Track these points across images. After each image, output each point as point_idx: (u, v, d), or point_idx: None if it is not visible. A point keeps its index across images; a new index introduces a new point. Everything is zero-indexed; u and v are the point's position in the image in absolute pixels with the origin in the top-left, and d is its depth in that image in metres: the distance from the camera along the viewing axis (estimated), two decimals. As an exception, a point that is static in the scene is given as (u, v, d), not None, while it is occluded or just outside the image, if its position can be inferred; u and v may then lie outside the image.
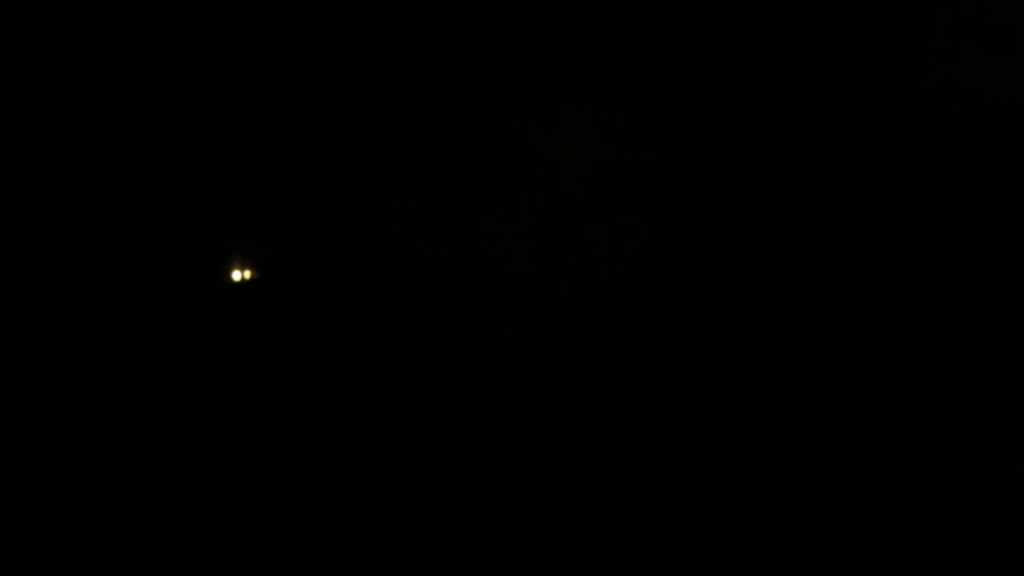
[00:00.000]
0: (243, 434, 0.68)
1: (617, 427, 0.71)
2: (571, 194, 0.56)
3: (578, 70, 0.59)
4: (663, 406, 0.74)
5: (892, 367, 1.07)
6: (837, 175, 1.01)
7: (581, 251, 0.55)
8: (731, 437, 0.76)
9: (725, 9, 0.77)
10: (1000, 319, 1.00)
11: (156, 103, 1.32)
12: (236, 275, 1.74)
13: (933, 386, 1.05)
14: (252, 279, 1.71)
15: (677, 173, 0.75)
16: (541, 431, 0.66)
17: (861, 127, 0.98)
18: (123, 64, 1.18)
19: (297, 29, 0.91)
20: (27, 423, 1.33)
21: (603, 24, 0.63)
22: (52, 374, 1.44)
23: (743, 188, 1.01)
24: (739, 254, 1.03)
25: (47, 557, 1.20)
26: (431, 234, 0.68)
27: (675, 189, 0.74)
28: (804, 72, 0.90)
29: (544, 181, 0.56)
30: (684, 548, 0.64)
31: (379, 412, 0.65)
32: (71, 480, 1.33)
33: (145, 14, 1.00)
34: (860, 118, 0.97)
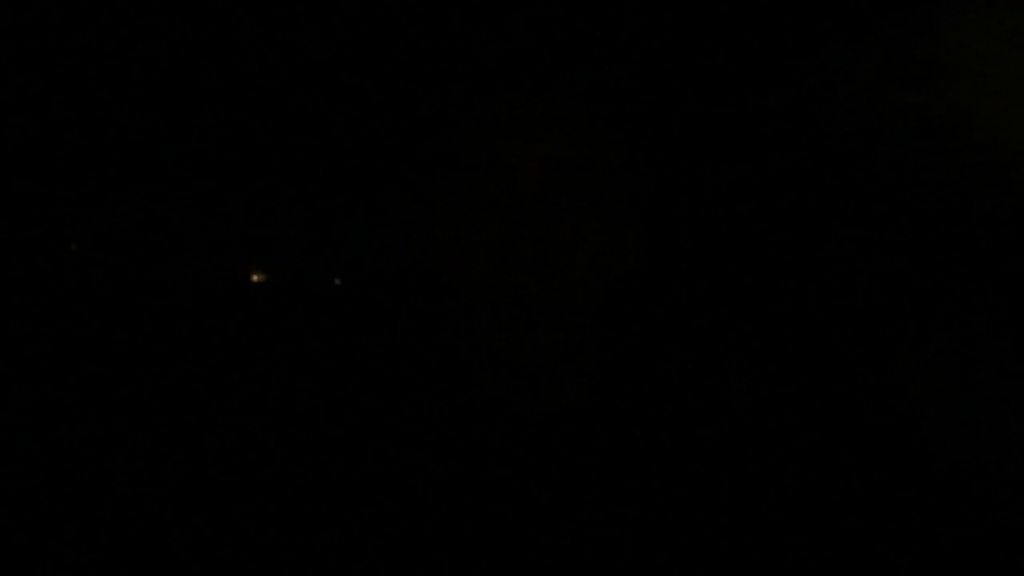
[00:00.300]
0: (251, 429, 0.69)
1: (597, 425, 0.70)
2: (532, 193, 0.55)
3: (532, 67, 0.59)
4: (640, 402, 0.73)
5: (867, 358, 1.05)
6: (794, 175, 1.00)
7: (546, 249, 0.54)
8: (717, 437, 0.75)
9: (681, 4, 0.77)
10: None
11: (192, 121, 1.36)
12: (254, 278, 1.81)
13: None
14: (265, 281, 1.77)
15: (640, 166, 0.75)
16: (523, 430, 0.66)
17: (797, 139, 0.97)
18: (152, 76, 1.22)
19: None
20: (41, 423, 1.39)
21: (556, 18, 0.63)
22: (71, 371, 1.50)
23: (707, 181, 1.00)
24: (707, 248, 1.02)
25: (54, 557, 1.25)
26: (398, 242, 0.68)
27: (639, 183, 0.74)
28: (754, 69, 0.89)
29: (504, 182, 0.55)
30: (674, 549, 0.63)
31: (373, 410, 0.66)
32: (84, 481, 1.38)
33: (170, 24, 1.03)
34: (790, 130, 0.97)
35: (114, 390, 1.57)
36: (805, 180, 0.98)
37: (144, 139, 1.44)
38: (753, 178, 0.95)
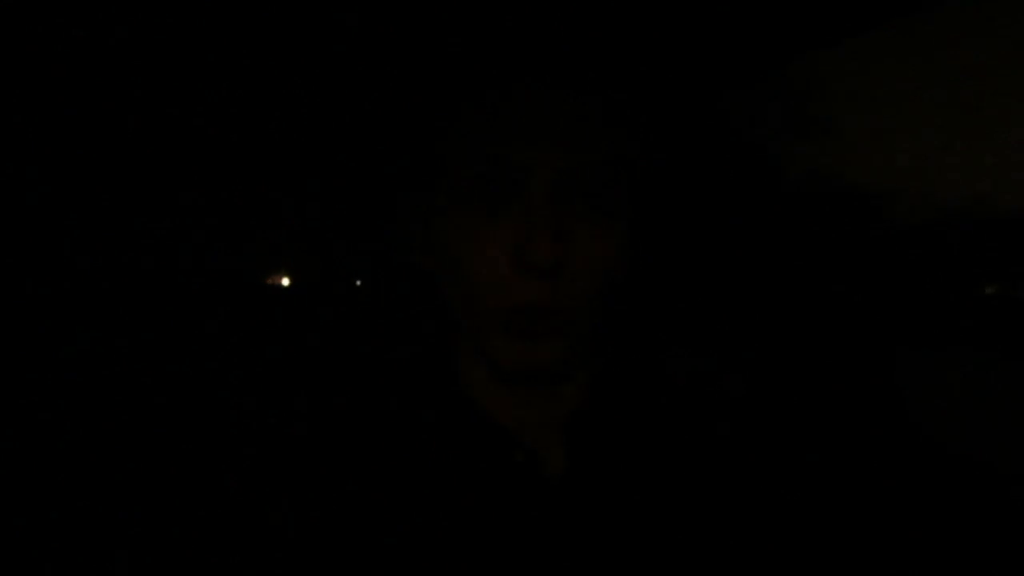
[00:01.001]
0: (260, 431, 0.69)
1: (617, 425, 0.70)
2: (546, 196, 0.55)
3: (547, 67, 0.58)
4: (654, 403, 0.73)
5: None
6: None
7: (563, 251, 0.54)
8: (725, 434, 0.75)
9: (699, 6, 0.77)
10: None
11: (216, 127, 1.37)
12: (271, 280, 1.84)
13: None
14: (286, 284, 1.80)
15: (658, 168, 0.75)
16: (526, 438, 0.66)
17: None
18: (171, 80, 1.23)
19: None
20: (59, 421, 1.41)
21: (574, 18, 0.63)
22: (88, 372, 1.52)
23: (724, 185, 1.01)
24: (729, 249, 1.03)
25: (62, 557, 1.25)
26: (411, 242, 0.68)
27: (656, 185, 0.74)
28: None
29: (519, 183, 0.55)
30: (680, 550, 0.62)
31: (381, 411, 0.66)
32: (95, 482, 1.38)
33: (201, 39, 1.04)
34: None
35: (136, 393, 1.59)
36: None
37: (163, 144, 1.45)
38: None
